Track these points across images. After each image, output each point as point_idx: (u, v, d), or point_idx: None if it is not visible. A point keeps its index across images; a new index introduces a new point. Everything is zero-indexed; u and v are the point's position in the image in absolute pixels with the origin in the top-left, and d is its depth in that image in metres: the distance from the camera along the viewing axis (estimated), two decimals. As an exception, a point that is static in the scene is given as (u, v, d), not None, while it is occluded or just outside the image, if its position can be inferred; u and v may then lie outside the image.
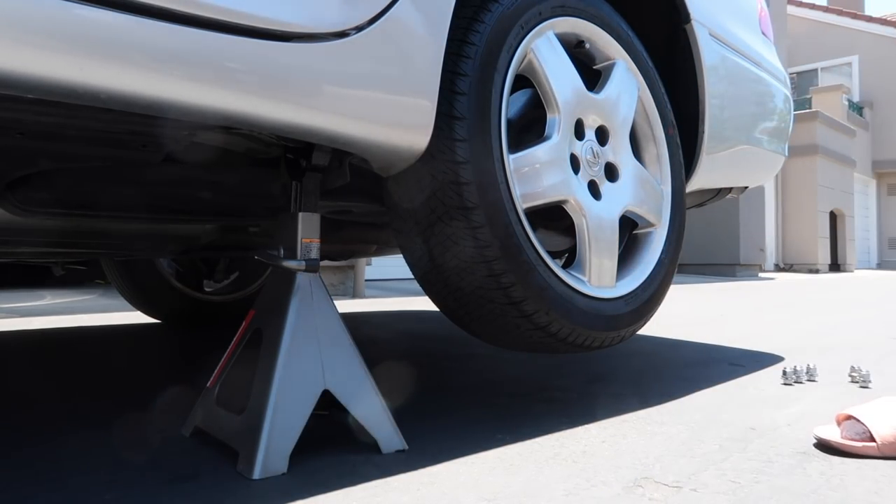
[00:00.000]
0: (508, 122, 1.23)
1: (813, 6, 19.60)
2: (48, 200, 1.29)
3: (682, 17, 1.57)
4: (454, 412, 1.26)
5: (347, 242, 2.04)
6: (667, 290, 1.45)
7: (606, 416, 1.22)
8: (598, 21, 1.37)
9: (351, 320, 2.96)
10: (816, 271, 13.73)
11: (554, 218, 1.29)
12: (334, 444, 1.03)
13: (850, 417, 1.05)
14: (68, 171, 1.24)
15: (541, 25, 1.24)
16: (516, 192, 1.15)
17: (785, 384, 1.56)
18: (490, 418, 1.21)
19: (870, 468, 0.95)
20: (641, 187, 1.40)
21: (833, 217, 15.28)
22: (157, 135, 1.04)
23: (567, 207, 1.24)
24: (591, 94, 1.31)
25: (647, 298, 1.38)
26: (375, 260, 5.46)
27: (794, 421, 1.21)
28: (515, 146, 1.20)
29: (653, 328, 2.65)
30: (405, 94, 0.99)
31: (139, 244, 1.85)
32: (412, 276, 6.74)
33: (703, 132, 1.62)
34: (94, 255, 2.17)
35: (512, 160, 1.16)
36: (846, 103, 16.90)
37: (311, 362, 0.97)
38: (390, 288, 5.43)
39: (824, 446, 1.05)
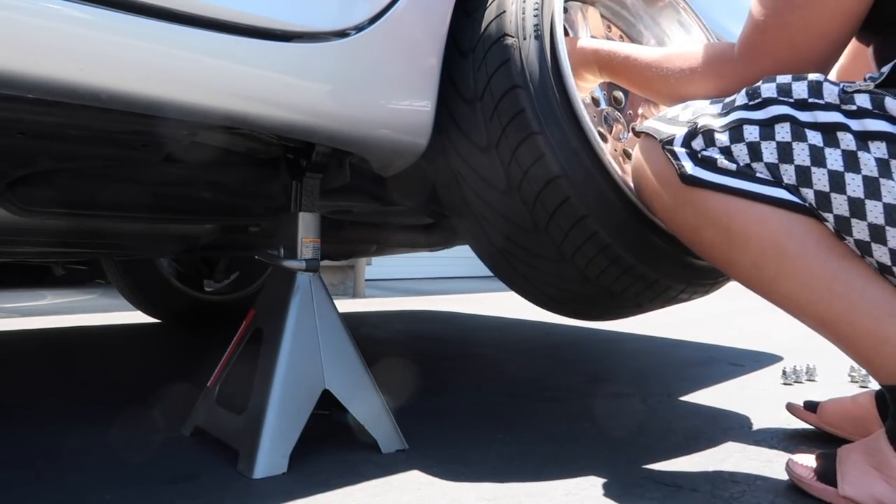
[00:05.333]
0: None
1: (813, 6, 19.59)
2: (49, 200, 1.29)
3: None
4: (454, 412, 1.26)
5: (347, 242, 2.04)
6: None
7: (606, 416, 1.22)
8: None
9: (351, 320, 2.96)
10: (817, 271, 13.72)
11: None
12: (334, 443, 1.03)
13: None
14: (69, 170, 1.24)
15: None
16: None
17: (785, 384, 1.56)
18: (490, 418, 1.21)
19: (869, 468, 0.95)
20: None
21: (833, 217, 15.29)
22: (158, 134, 1.04)
23: None
24: None
25: None
26: (375, 260, 5.45)
27: (795, 421, 1.21)
28: None
29: (653, 328, 2.65)
30: (405, 93, 0.99)
31: (140, 244, 1.85)
32: (412, 276, 6.69)
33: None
34: (95, 255, 2.18)
35: None
36: (846, 103, 16.90)
37: (311, 362, 0.97)
38: (390, 288, 5.43)
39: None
